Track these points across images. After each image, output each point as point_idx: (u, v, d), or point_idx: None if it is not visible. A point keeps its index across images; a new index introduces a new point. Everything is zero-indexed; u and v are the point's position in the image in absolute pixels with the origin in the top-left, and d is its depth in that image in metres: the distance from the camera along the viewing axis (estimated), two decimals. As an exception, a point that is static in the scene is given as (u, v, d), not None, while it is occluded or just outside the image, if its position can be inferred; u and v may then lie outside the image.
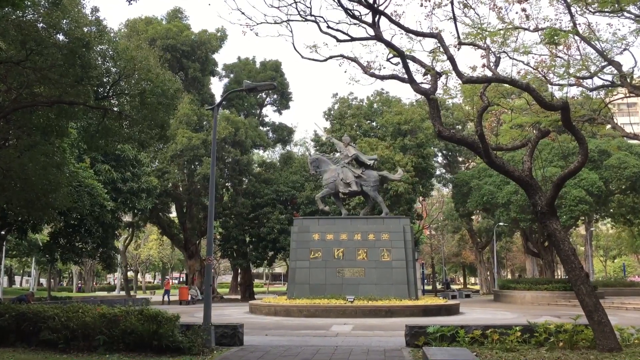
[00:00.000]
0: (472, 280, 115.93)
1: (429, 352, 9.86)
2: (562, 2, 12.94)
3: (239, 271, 54.82)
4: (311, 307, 23.83)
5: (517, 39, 12.96)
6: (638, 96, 13.95)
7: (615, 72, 13.77)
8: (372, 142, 39.44)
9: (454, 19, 12.26)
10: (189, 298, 38.57)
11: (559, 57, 13.63)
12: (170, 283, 48.79)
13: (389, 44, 12.72)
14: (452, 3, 12.06)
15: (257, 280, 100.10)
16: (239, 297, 50.47)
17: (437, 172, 56.94)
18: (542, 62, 13.54)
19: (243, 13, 12.58)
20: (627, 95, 14.78)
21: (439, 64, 13.09)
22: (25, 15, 12.62)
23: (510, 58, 13.19)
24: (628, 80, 13.89)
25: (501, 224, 45.40)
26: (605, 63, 13.64)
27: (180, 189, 44.35)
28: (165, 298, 41.48)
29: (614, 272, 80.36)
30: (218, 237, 47.93)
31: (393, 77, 13.39)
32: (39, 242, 39.21)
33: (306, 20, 12.65)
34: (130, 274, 73.20)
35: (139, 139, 15.91)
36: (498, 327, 12.79)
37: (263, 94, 52.11)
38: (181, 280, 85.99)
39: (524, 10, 12.79)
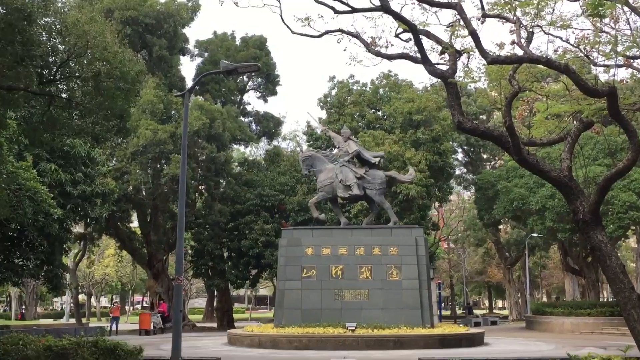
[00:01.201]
0: (500, 303, 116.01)
1: (447, 392, 9.87)
2: (609, -35, 12.99)
3: (215, 293, 54.65)
4: (303, 338, 23.83)
5: (553, 10, 12.98)
6: (700, 80, 14.03)
7: (673, 50, 13.83)
8: (377, 135, 39.50)
9: (477, -15, 12.31)
10: (151, 327, 38.34)
11: (605, 32, 13.68)
12: (120, 309, 48.45)
13: (398, 16, 12.74)
14: (474, -34, 12.11)
15: (237, 305, 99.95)
16: (215, 325, 50.39)
17: (457, 172, 57.08)
18: (584, 38, 13.58)
19: (220, -22, 12.57)
20: (687, 78, 14.85)
21: (459, 41, 13.13)
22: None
23: (545, 33, 13.22)
24: (688, 60, 13.96)
25: (534, 235, 45.47)
26: (661, 39, 13.69)
27: (144, 193, 44.25)
28: (113, 327, 40.82)
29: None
30: (189, 251, 47.71)
31: (403, 56, 13.43)
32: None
33: (297, -14, 12.67)
34: (81, 297, 72.88)
35: (92, 132, 15.86)
36: (531, 361, 12.82)
37: (245, 76, 52.04)
38: (144, 304, 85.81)
39: (562, -26, 12.82)
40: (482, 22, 13.05)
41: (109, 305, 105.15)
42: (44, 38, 14.07)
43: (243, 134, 46.25)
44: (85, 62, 14.50)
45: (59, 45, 14.46)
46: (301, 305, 26.96)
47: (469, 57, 13.59)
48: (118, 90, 14.72)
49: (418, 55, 12.95)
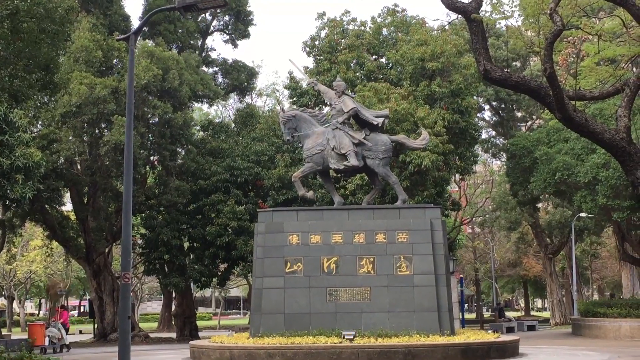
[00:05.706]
0: (539, 303, 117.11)
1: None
2: None
3: (174, 295, 54.80)
4: (288, 350, 23.94)
5: None
6: None
7: None
8: (380, 89, 39.44)
9: None
10: (46, 342, 37.29)
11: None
12: None
13: None
14: None
15: (202, 309, 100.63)
16: (173, 334, 50.74)
17: (483, 136, 57.17)
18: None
19: None
20: None
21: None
22: None
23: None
24: None
25: (583, 215, 45.73)
26: None
27: (79, 166, 44.13)
28: None
29: None
30: (139, 242, 47.65)
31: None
32: None
33: None
34: (1, 301, 72.92)
35: (10, 88, 15.78)
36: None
37: (207, 14, 51.68)
38: (82, 310, 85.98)
39: None
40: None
41: (38, 311, 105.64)
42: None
43: (206, 88, 46.03)
44: (-2, -4, 14.35)
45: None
46: (284, 308, 27.05)
47: (498, -14, 13.54)
48: (42, 33, 14.61)
49: (432, -17, 12.91)
